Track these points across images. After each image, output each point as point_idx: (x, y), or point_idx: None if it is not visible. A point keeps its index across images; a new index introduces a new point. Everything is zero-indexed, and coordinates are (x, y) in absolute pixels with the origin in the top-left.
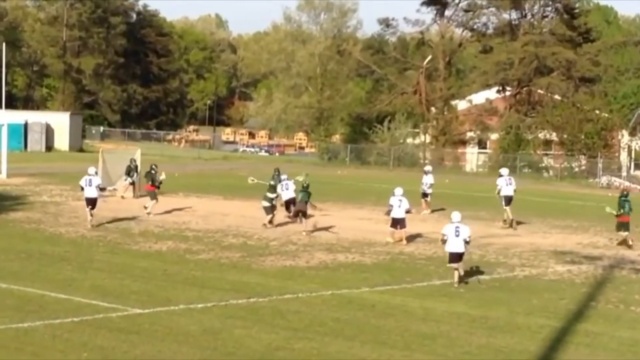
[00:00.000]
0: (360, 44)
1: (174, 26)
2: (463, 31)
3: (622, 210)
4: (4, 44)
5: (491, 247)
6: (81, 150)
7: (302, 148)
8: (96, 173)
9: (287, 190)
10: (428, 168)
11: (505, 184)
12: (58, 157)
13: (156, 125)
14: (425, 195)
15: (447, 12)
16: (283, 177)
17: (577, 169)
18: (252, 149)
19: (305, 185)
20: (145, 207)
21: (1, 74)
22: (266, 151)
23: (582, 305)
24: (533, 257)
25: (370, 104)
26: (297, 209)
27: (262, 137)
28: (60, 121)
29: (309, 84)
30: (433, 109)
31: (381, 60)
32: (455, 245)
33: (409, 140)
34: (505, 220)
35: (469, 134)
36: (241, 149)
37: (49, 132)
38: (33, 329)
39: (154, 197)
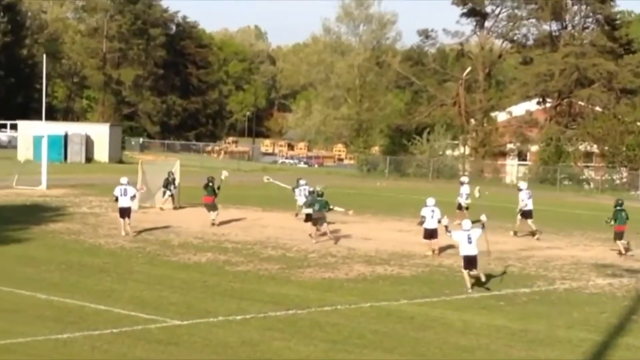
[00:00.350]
0: (399, 55)
1: (214, 38)
2: (503, 42)
3: (615, 221)
4: (44, 56)
5: (531, 260)
6: (121, 161)
7: (341, 160)
8: (128, 183)
9: (300, 197)
10: (464, 179)
11: (528, 197)
12: (98, 169)
13: (195, 136)
14: (460, 207)
15: (487, 23)
16: (302, 182)
17: (618, 181)
18: (291, 161)
19: (320, 193)
20: (213, 222)
21: (42, 86)
22: (305, 163)
23: (623, 318)
24: (574, 270)
25: (410, 115)
26: (316, 216)
27: (301, 148)
28: (100, 132)
29: (348, 95)
30: (472, 120)
31: (420, 72)
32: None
33: (448, 152)
34: (515, 233)
35: (509, 146)
36: (280, 161)
37: (88, 143)
38: (72, 340)
39: (213, 208)
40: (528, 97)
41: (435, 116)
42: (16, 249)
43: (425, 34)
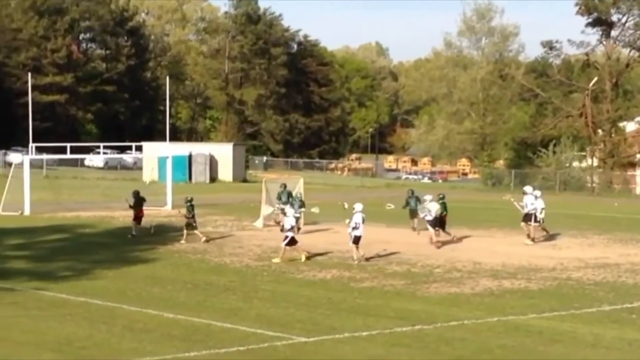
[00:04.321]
0: (523, 67)
1: (335, 55)
2: (630, 51)
3: None
4: (167, 78)
5: None
6: (245, 180)
7: (465, 174)
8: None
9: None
10: (537, 192)
11: (531, 202)
12: (222, 188)
13: (318, 154)
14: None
15: (613, 33)
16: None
17: None
18: (415, 176)
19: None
20: (206, 239)
21: (166, 107)
22: (429, 178)
23: None
24: None
25: (535, 128)
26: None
27: (424, 164)
28: (223, 152)
29: (471, 109)
30: (600, 131)
31: (545, 84)
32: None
33: (575, 163)
34: (531, 238)
35: (638, 156)
36: (404, 177)
37: (212, 163)
38: (199, 358)
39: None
40: None
41: (561, 128)
42: (143, 269)
43: (549, 45)
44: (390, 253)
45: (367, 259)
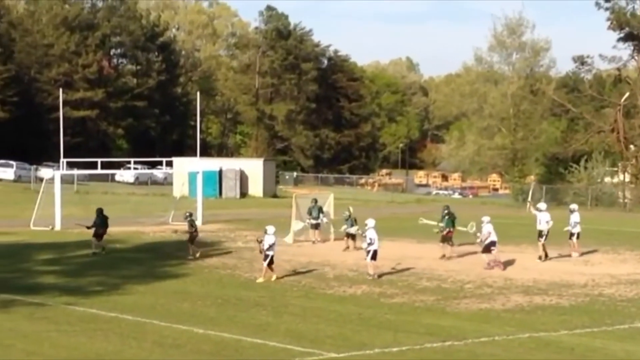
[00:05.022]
0: (554, 82)
1: (365, 70)
2: None
3: None
4: (198, 93)
5: None
6: (275, 196)
7: (496, 189)
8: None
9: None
10: (573, 206)
11: (546, 220)
12: (252, 203)
13: (349, 169)
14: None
15: None
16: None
17: None
18: (445, 192)
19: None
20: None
21: (196, 123)
22: (459, 193)
23: None
24: None
25: (566, 143)
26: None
27: (455, 179)
28: (254, 167)
29: (502, 124)
30: (632, 146)
31: (576, 99)
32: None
33: (607, 179)
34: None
35: None
36: (434, 192)
37: (243, 178)
38: None
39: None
40: None
41: (593, 143)
42: (174, 284)
43: (580, 60)
44: (421, 269)
45: (380, 276)
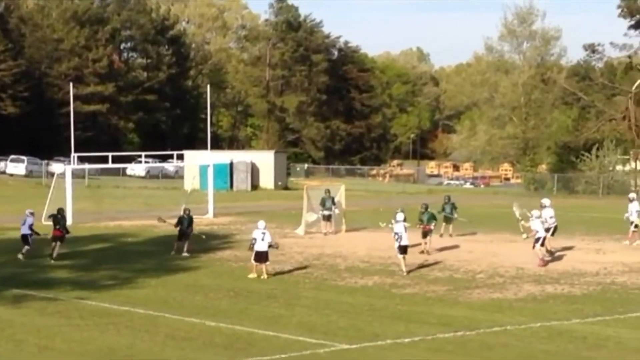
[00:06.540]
0: (565, 71)
1: (376, 61)
2: None
3: None
4: (209, 86)
5: None
6: (286, 188)
7: (507, 179)
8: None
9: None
10: (632, 195)
11: (550, 216)
12: (263, 196)
13: (360, 160)
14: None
15: None
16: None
17: None
18: (457, 182)
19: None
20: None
21: (207, 116)
22: (471, 183)
23: None
24: None
25: (577, 131)
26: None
27: (466, 169)
28: (265, 160)
29: (513, 114)
30: None
31: (588, 87)
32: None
33: (619, 167)
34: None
35: None
36: (445, 182)
37: (254, 171)
38: None
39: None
40: None
41: (605, 131)
42: (185, 277)
43: (591, 48)
44: (432, 259)
45: (409, 272)
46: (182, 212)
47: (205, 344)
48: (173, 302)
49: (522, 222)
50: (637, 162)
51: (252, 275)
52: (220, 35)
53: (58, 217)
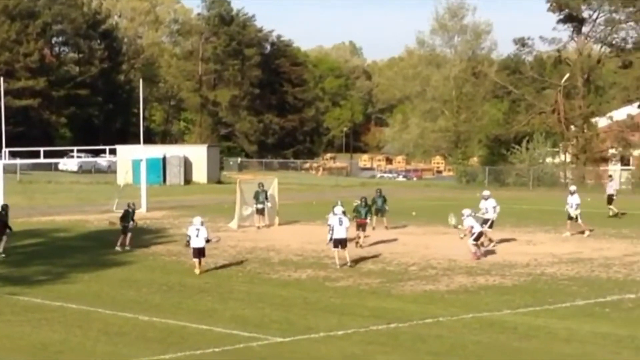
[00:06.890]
0: (495, 65)
1: (308, 55)
2: (601, 47)
3: None
4: (141, 81)
5: (636, 265)
6: (219, 182)
7: (439, 172)
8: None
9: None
10: (573, 188)
11: (493, 206)
12: (196, 190)
13: (293, 154)
14: (570, 217)
15: (585, 29)
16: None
17: None
18: (390, 175)
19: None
20: None
21: (139, 110)
22: (404, 176)
23: None
24: None
25: (508, 124)
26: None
27: (399, 162)
28: (198, 154)
29: (445, 107)
30: (572, 127)
31: (518, 81)
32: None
33: (549, 159)
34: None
35: (611, 151)
36: (378, 175)
37: (187, 165)
38: None
39: None
40: (629, 101)
41: (534, 124)
42: (118, 272)
43: (521, 42)
44: (366, 252)
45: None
46: (126, 207)
47: (138, 339)
48: (106, 297)
49: (460, 226)
50: (566, 154)
51: (197, 271)
52: (152, 30)
53: (2, 213)
